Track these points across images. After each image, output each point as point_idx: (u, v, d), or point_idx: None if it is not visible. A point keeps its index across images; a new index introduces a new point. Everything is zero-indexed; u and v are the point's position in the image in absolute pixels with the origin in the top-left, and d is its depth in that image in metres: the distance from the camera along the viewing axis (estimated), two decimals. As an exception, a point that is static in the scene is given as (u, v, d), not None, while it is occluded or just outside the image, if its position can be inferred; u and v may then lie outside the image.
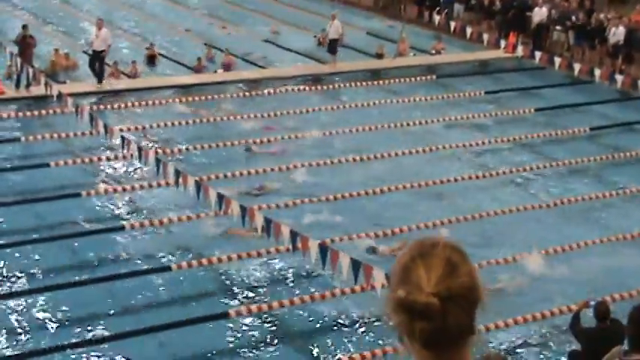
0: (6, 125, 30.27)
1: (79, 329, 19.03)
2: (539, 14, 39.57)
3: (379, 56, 38.39)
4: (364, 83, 35.66)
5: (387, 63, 37.77)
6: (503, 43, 38.71)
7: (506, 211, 24.60)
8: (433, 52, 39.61)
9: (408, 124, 31.19)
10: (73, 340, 18.46)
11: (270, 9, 46.76)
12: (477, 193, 26.32)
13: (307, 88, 35.04)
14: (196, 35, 41.10)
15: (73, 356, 18.02)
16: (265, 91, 34.09)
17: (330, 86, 35.11)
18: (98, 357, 18.08)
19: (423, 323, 3.11)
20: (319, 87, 35.15)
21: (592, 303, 16.35)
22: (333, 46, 37.06)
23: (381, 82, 35.94)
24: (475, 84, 35.83)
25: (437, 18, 42.38)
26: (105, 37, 33.13)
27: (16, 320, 19.18)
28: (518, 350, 18.41)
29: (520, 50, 38.17)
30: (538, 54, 37.22)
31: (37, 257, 21.73)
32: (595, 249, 22.75)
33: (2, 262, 21.54)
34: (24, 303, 19.82)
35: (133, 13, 45.81)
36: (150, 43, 38.25)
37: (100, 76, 33.30)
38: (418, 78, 36.12)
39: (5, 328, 18.88)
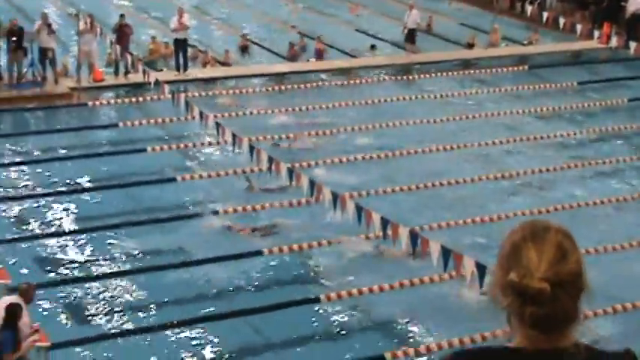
0: (105, 111, 30.98)
1: (173, 311, 19.41)
2: (635, 4, 39.17)
3: (470, 46, 38.47)
4: (454, 73, 35.74)
5: (478, 53, 37.80)
6: (596, 33, 38.28)
7: (597, 202, 24.61)
8: (525, 42, 39.46)
9: (498, 114, 31.25)
10: (169, 321, 18.84)
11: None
12: (566, 183, 26.31)
13: (397, 77, 35.20)
14: (290, 24, 41.33)
15: (171, 336, 18.42)
16: (358, 81, 34.41)
17: (418, 76, 35.30)
18: (193, 338, 18.42)
19: (534, 308, 3.15)
20: (409, 76, 35.28)
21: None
22: (411, 35, 37.29)
23: (471, 71, 35.96)
24: (568, 75, 35.61)
25: (529, 8, 42.23)
26: (186, 24, 33.69)
27: (112, 300, 19.68)
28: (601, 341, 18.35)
29: (614, 41, 37.74)
30: (633, 44, 36.62)
31: (133, 240, 22.24)
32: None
33: (101, 243, 22.10)
34: (122, 284, 20.34)
35: (226, 2, 46.21)
36: (243, 33, 38.61)
37: (185, 65, 33.91)
38: (509, 68, 36.11)
39: (100, 309, 19.40)
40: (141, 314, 19.23)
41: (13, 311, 14.92)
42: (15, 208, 23.87)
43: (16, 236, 22.16)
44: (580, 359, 3.22)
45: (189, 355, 17.92)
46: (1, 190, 25.01)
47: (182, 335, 18.48)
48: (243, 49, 37.22)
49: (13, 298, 15.37)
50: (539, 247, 3.20)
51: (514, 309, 3.20)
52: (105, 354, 17.80)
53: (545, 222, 3.35)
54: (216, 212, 23.45)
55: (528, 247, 3.21)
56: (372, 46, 38.10)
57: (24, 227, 22.88)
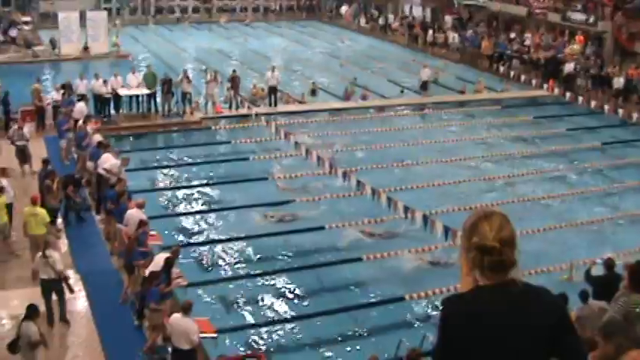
0: (222, 133, 31.09)
1: (262, 264, 19.47)
2: (568, 67, 38.91)
3: (462, 92, 38.12)
4: (452, 110, 35.47)
5: (468, 97, 37.44)
6: (545, 85, 38.23)
7: (545, 197, 24.56)
8: (499, 90, 39.04)
9: (481, 137, 31.20)
10: (260, 271, 18.89)
11: (393, 59, 46.75)
12: (525, 184, 26.10)
13: (415, 112, 35.12)
14: (346, 76, 41.18)
15: (260, 280, 18.48)
16: (389, 114, 34.35)
17: (429, 111, 35.11)
18: (277, 282, 18.47)
19: (490, 257, 3.47)
20: (423, 111, 35.15)
21: (598, 261, 16.22)
22: (425, 84, 37.14)
23: (463, 109, 35.69)
24: (526, 112, 35.23)
25: (502, 68, 42.06)
26: (277, 76, 33.71)
27: (224, 256, 19.81)
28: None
29: (556, 91, 37.60)
30: (568, 93, 36.80)
31: (237, 219, 22.30)
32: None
33: (218, 219, 22.21)
34: (231, 246, 20.43)
35: (303, 62, 46.24)
36: (312, 82, 38.56)
37: (275, 103, 33.84)
38: (488, 107, 35.78)
39: (218, 262, 19.52)
40: (243, 264, 19.34)
41: (169, 262, 15.14)
42: (164, 195, 24.07)
43: (165, 213, 22.31)
44: (518, 287, 3.51)
45: (274, 293, 18.00)
46: (158, 182, 25.29)
47: (266, 280, 18.58)
48: (313, 92, 37.14)
49: (168, 254, 15.50)
50: (489, 223, 3.52)
51: (476, 260, 3.50)
52: (220, 291, 17.97)
53: (491, 209, 3.66)
54: (293, 200, 23.41)
55: (483, 223, 3.52)
56: (402, 91, 37.84)
57: (170, 207, 23.10)
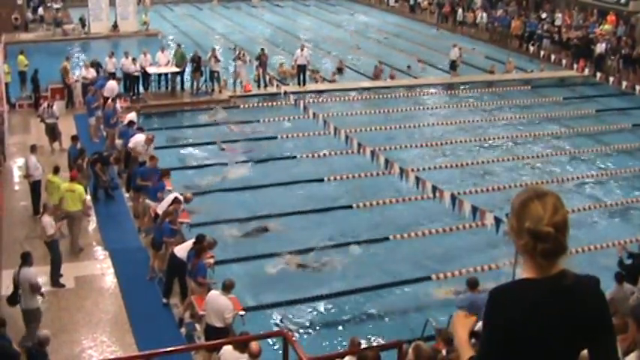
0: (252, 111, 30.85)
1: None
2: (600, 47, 38.44)
3: (491, 72, 37.73)
4: (482, 90, 35.14)
5: (497, 77, 37.07)
6: (575, 66, 37.80)
7: (574, 178, 24.36)
8: (530, 70, 38.62)
9: (510, 118, 30.87)
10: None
11: (422, 40, 46.38)
12: (561, 163, 26.07)
13: (444, 92, 34.77)
14: (372, 55, 40.85)
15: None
16: (418, 93, 34.14)
17: (458, 91, 34.79)
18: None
19: (543, 244, 3.26)
20: (452, 91, 34.79)
21: (628, 246, 16.09)
22: (454, 64, 36.68)
23: (493, 89, 35.36)
24: (556, 92, 34.82)
25: (532, 48, 41.61)
26: (306, 55, 33.59)
27: (254, 231, 19.78)
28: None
29: (586, 71, 37.16)
30: (598, 74, 36.41)
31: (265, 197, 22.14)
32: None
33: (247, 197, 22.15)
34: (257, 224, 20.36)
35: (330, 40, 45.90)
36: (339, 59, 38.37)
37: (303, 82, 33.69)
38: (518, 87, 35.43)
39: (245, 243, 19.48)
40: (270, 242, 19.25)
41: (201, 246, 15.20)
42: (190, 173, 24.04)
43: (195, 191, 22.15)
44: (570, 279, 3.31)
45: (302, 271, 17.97)
46: (185, 160, 25.26)
47: (294, 258, 18.47)
48: (339, 70, 36.91)
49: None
50: (542, 204, 3.29)
51: (528, 247, 3.29)
52: (248, 269, 17.98)
53: (543, 188, 3.44)
54: (322, 180, 23.37)
55: (535, 204, 3.29)
56: (419, 60, 37.24)
57: (201, 185, 22.99)
